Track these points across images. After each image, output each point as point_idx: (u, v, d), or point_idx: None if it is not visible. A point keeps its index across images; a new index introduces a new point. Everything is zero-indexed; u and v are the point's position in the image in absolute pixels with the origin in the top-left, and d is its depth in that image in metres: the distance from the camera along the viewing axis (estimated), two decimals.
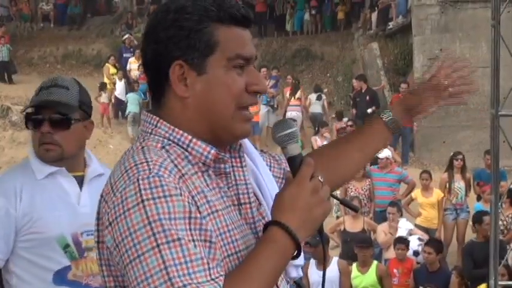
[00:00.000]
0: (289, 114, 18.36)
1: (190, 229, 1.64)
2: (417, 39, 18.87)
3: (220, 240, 1.71)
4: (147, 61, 1.84)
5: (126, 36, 24.48)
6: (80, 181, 3.21)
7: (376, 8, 23.40)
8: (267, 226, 1.73)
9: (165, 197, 1.63)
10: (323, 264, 1.92)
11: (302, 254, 1.76)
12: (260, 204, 1.91)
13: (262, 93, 1.87)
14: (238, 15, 1.81)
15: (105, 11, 32.53)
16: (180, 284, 1.57)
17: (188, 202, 1.66)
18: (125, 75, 22.53)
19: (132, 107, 20.60)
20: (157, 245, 1.59)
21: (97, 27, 30.14)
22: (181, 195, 1.66)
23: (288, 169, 1.83)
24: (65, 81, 3.24)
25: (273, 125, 1.88)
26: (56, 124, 3.16)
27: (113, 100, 21.91)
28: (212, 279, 1.60)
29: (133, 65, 22.82)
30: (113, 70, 22.53)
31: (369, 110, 18.23)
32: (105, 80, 22.37)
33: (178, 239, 1.60)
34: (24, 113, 3.25)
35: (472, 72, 2.27)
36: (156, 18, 1.82)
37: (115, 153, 19.08)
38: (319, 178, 1.77)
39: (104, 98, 21.18)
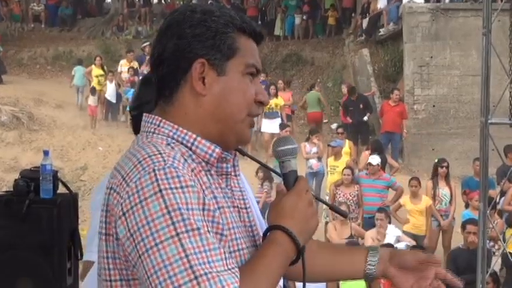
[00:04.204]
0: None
1: (204, 220, 1.68)
2: (408, 46, 18.91)
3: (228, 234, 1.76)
4: (165, 55, 1.86)
5: (147, 43, 24.53)
6: None
7: (367, 15, 23.44)
8: (268, 230, 1.80)
9: (181, 187, 1.66)
10: (303, 275, 1.92)
11: None
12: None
13: (265, 105, 1.94)
14: (256, 30, 1.91)
15: (96, 13, 32.47)
16: (202, 272, 1.60)
17: (202, 194, 1.71)
18: (116, 77, 22.49)
19: (78, 81, 22.72)
20: (177, 234, 1.62)
21: (88, 28, 30.08)
22: (195, 186, 1.70)
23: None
24: None
25: (275, 140, 1.96)
26: None
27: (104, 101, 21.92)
28: (229, 269, 1.64)
29: (124, 68, 22.80)
30: (98, 71, 22.47)
31: (365, 118, 18.25)
32: (93, 81, 22.35)
33: (198, 228, 1.63)
34: None
35: None
36: (181, 15, 1.87)
37: (104, 154, 19.05)
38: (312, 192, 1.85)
39: (91, 100, 21.20)
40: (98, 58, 23.22)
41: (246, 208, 1.90)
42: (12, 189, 3.57)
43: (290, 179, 1.87)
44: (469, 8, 18.19)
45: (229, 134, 1.85)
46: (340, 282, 9.70)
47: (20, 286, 3.49)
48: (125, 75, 22.47)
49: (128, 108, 19.92)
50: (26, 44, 28.32)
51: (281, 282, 1.94)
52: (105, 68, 22.88)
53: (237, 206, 1.87)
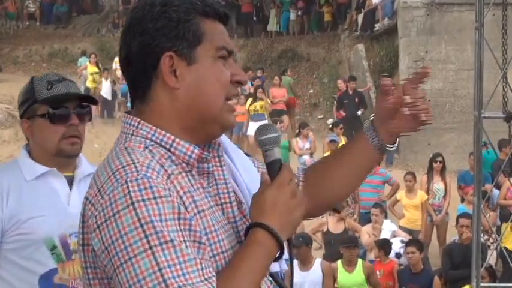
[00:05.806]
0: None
1: (180, 230, 1.64)
2: (403, 41, 18.92)
3: (206, 240, 1.71)
4: (131, 54, 1.83)
5: None
6: (70, 181, 3.11)
7: (362, 10, 23.44)
8: (250, 227, 1.75)
9: (155, 198, 1.63)
10: (290, 266, 1.91)
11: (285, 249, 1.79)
12: (241, 202, 1.90)
13: (244, 84, 1.91)
14: (220, 12, 1.85)
15: (91, 10, 32.46)
16: (176, 286, 1.57)
17: (177, 203, 1.66)
18: (111, 74, 22.52)
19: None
20: (150, 247, 1.59)
21: (83, 26, 30.07)
22: (170, 196, 1.65)
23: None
24: (64, 76, 3.18)
25: (258, 128, 1.90)
26: (81, 116, 3.10)
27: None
28: (205, 280, 1.61)
29: (119, 64, 22.81)
30: (93, 69, 22.44)
31: (359, 112, 18.25)
32: (88, 78, 22.38)
33: (171, 241, 1.60)
34: (34, 107, 3.07)
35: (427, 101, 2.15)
36: (141, 10, 1.82)
37: (100, 152, 19.02)
38: (296, 181, 1.80)
39: None
40: (92, 55, 23.21)
41: (230, 202, 1.85)
42: None
43: (274, 169, 1.82)
44: (464, 2, 18.18)
45: (211, 122, 1.81)
46: (338, 276, 9.67)
47: None
48: (120, 72, 22.43)
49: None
50: (21, 41, 28.30)
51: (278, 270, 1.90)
52: (100, 65, 22.87)
53: (221, 204, 1.83)
